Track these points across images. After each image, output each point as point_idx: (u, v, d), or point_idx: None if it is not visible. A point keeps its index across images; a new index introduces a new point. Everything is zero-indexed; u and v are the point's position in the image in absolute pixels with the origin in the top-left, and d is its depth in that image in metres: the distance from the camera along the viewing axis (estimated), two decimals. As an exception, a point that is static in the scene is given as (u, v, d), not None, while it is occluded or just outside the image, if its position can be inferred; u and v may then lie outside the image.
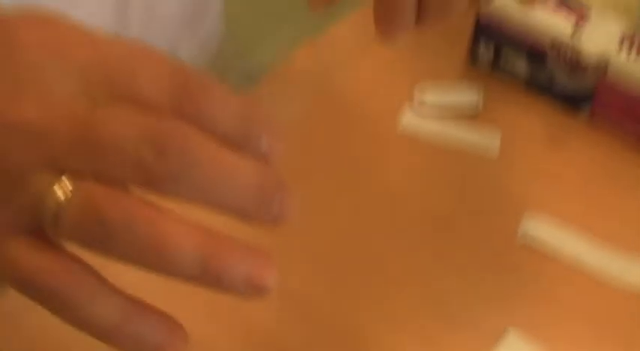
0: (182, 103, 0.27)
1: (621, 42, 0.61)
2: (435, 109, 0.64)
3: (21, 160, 0.26)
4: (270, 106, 0.60)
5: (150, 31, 0.63)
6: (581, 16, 0.63)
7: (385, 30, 0.42)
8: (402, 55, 0.68)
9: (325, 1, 0.43)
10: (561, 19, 0.63)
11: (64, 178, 0.26)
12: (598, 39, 0.62)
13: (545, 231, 0.57)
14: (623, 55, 0.61)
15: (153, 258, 0.26)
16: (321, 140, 0.63)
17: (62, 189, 0.26)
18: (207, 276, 0.26)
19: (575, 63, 0.62)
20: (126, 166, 0.26)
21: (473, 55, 0.68)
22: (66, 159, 0.26)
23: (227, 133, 0.27)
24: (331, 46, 0.69)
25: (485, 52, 0.67)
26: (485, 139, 0.63)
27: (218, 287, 0.27)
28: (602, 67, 0.61)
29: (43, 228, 0.27)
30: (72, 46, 0.27)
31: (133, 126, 0.26)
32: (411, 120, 0.64)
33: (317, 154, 0.62)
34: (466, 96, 0.65)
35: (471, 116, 0.65)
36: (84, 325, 0.27)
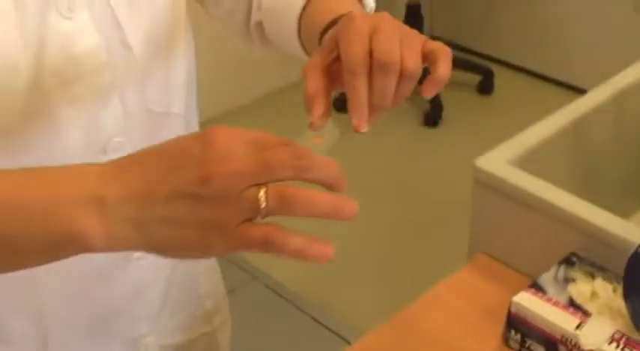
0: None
1: (612, 340, 0.82)
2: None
3: (243, 186, 0.53)
4: None
5: None
6: (583, 316, 0.84)
7: (357, 120, 0.66)
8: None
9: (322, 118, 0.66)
10: (569, 317, 0.84)
11: (261, 187, 0.53)
12: (595, 335, 0.82)
13: None
14: (613, 348, 0.81)
15: (310, 210, 0.54)
16: None
17: (263, 193, 0.53)
18: (336, 212, 0.54)
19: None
20: (285, 176, 0.54)
21: (506, 338, 0.89)
22: (259, 179, 0.53)
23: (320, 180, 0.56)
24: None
25: (514, 338, 0.88)
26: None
27: (338, 216, 0.54)
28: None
29: (252, 217, 0.54)
30: (242, 134, 0.55)
31: (283, 158, 0.54)
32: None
33: None
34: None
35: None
36: (291, 254, 0.54)
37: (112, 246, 0.54)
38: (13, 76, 0.65)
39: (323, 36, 0.72)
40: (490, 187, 0.99)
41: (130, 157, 0.56)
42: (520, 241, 0.99)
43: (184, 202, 0.52)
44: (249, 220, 0.53)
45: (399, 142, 2.95)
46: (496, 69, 3.24)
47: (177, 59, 0.81)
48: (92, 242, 0.54)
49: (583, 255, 0.91)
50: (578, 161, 1.13)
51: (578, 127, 1.11)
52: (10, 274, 0.59)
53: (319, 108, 0.65)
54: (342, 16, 0.69)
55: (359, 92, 0.64)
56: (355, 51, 0.63)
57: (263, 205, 0.53)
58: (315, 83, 0.65)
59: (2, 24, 0.63)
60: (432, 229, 2.48)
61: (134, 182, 0.54)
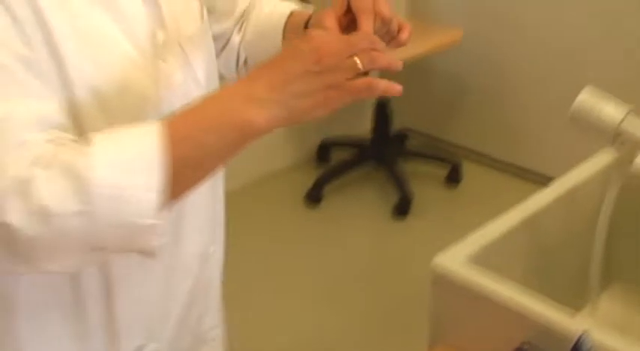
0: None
1: None
2: None
3: (342, 58, 0.81)
4: None
5: None
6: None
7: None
8: None
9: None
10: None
11: (354, 56, 0.82)
12: None
13: None
14: None
15: (383, 63, 0.84)
16: None
17: (357, 58, 0.82)
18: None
19: None
20: (364, 47, 0.84)
21: None
22: (350, 52, 0.82)
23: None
24: None
25: None
26: None
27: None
28: None
29: (354, 76, 0.82)
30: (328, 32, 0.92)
31: (361, 38, 0.86)
32: None
33: None
34: None
35: None
36: (382, 91, 0.84)
37: (269, 125, 0.80)
38: (144, 104, 0.91)
39: (307, 23, 1.08)
40: (447, 282, 1.05)
41: (253, 70, 0.84)
42: (477, 332, 1.05)
43: (309, 78, 0.80)
44: (352, 78, 0.82)
45: (368, 235, 3.01)
46: (464, 160, 3.34)
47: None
48: (257, 127, 0.80)
49: (535, 344, 0.97)
50: (533, 256, 1.20)
51: (532, 223, 1.19)
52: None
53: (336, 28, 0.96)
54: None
55: (367, 19, 0.95)
56: (367, 2, 0.96)
57: (360, 65, 0.81)
58: (330, 23, 0.95)
59: (135, 69, 0.90)
60: (395, 322, 2.50)
61: (269, 78, 0.81)
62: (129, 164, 0.77)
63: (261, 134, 0.81)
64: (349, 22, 0.96)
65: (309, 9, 1.13)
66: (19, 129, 0.78)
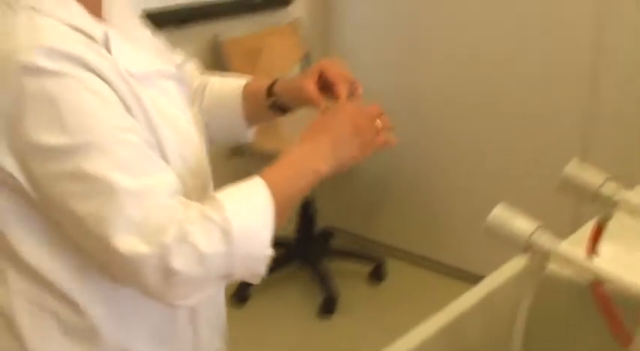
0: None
1: None
2: None
3: (368, 125, 1.22)
4: None
5: None
6: None
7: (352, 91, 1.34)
8: None
9: None
10: None
11: (375, 122, 1.23)
12: None
13: None
14: None
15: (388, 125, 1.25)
16: None
17: (378, 122, 1.23)
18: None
19: None
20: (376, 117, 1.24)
21: None
22: (372, 122, 1.23)
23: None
24: None
25: None
26: None
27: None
28: None
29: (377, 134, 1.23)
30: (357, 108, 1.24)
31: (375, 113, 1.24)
32: None
33: None
34: None
35: None
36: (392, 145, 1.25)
37: (328, 171, 1.15)
38: (192, 145, 1.21)
39: (272, 87, 1.37)
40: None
41: (312, 133, 1.19)
42: None
43: (351, 138, 1.19)
44: (375, 136, 1.22)
45: (295, 333, 3.01)
46: (390, 257, 3.39)
47: None
48: (323, 173, 1.15)
49: None
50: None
51: (451, 329, 1.23)
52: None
53: (320, 99, 1.29)
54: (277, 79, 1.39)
55: (343, 86, 1.30)
56: (338, 72, 1.31)
57: (379, 126, 1.22)
58: (312, 88, 1.29)
59: (183, 119, 1.21)
60: None
61: (327, 141, 1.17)
62: (250, 211, 1.06)
63: (323, 177, 1.16)
64: (322, 86, 1.30)
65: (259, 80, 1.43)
66: (164, 196, 1.03)
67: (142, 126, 1.07)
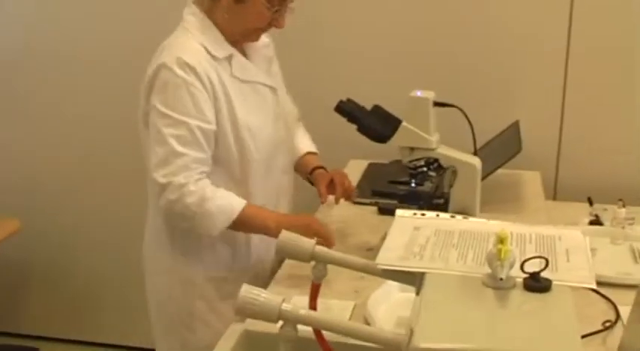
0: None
1: None
2: None
3: (317, 227, 1.89)
4: None
5: None
6: None
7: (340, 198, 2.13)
8: None
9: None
10: None
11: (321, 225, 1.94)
12: None
13: None
14: None
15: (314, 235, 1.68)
16: None
17: (320, 226, 1.91)
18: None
19: None
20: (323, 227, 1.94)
21: None
22: (320, 226, 1.91)
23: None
24: None
25: None
26: None
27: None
28: None
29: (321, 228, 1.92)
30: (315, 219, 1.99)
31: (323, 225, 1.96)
32: None
33: None
34: None
35: None
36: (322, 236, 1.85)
37: (270, 234, 1.86)
38: (258, 137, 1.96)
39: (313, 171, 2.17)
40: None
41: (285, 215, 2.01)
42: None
43: (304, 230, 1.57)
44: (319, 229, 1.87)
45: None
46: (43, 347, 3.30)
47: None
48: (273, 233, 1.81)
49: None
50: None
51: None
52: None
53: (324, 196, 2.06)
54: (318, 166, 2.19)
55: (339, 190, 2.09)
56: (342, 178, 2.11)
57: (321, 234, 1.81)
58: (322, 188, 2.07)
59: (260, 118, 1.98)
60: None
61: (286, 222, 1.83)
62: (223, 206, 1.85)
63: (263, 233, 1.91)
64: (328, 185, 2.07)
65: (316, 158, 2.21)
66: (189, 162, 1.83)
67: (221, 115, 1.87)
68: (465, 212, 1.85)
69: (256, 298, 1.13)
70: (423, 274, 1.22)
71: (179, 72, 1.80)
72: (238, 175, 1.93)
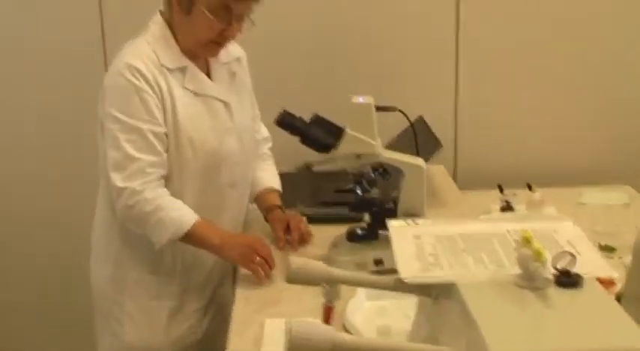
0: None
1: None
2: None
3: (260, 248, 1.98)
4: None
5: None
6: None
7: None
8: None
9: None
10: None
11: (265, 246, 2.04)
12: None
13: None
14: None
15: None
16: None
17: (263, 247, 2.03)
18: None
19: None
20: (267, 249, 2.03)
21: None
22: (264, 246, 2.01)
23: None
24: None
25: None
26: None
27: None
28: None
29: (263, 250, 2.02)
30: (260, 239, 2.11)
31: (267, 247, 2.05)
32: None
33: None
34: None
35: None
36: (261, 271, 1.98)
37: (219, 253, 2.01)
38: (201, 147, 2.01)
39: (270, 211, 2.24)
40: None
41: (235, 235, 2.09)
42: None
43: (239, 248, 1.98)
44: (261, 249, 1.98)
45: None
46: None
47: None
48: (216, 251, 1.99)
49: None
50: None
51: None
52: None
53: (281, 239, 2.15)
54: (276, 206, 2.24)
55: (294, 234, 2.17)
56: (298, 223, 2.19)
57: (265, 249, 1.98)
58: (278, 231, 2.16)
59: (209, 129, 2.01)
60: None
61: (231, 241, 2.00)
62: (174, 221, 1.91)
63: (208, 248, 1.99)
64: (285, 230, 2.16)
65: (276, 196, 2.25)
66: (145, 167, 1.89)
67: (167, 123, 1.92)
68: (413, 214, 1.88)
69: (309, 332, 1.10)
70: (444, 284, 1.23)
71: (129, 77, 1.87)
72: (176, 185, 1.96)
